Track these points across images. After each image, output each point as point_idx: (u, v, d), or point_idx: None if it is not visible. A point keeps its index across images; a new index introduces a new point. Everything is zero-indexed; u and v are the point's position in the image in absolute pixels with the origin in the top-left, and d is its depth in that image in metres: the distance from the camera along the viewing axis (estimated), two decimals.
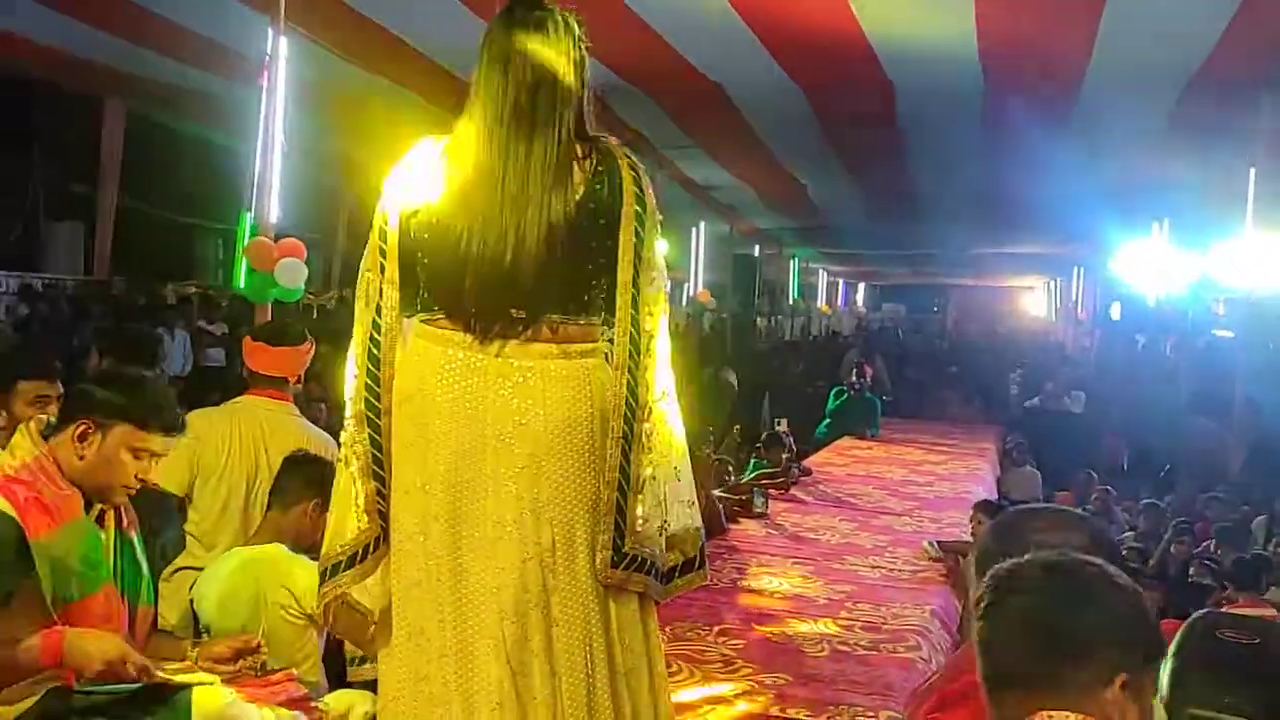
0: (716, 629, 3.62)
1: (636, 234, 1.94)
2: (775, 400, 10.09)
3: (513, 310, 1.92)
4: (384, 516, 1.98)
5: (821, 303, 24.58)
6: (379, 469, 1.97)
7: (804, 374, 12.20)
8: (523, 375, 1.92)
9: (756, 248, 18.61)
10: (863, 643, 3.61)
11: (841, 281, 28.09)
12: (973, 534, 5.00)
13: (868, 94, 8.27)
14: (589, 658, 1.90)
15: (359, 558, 1.98)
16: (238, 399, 3.45)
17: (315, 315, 12.73)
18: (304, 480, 2.92)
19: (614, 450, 1.93)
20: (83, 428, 2.17)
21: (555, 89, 1.93)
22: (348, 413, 2.00)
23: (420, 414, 1.94)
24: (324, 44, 6.42)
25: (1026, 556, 1.43)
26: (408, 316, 2.00)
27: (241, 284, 5.92)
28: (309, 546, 2.92)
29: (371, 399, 1.97)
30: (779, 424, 7.14)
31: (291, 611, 2.70)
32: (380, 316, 1.98)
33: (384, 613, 2.00)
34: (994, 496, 6.59)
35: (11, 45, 8.31)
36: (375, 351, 1.97)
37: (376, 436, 1.97)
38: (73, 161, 12.07)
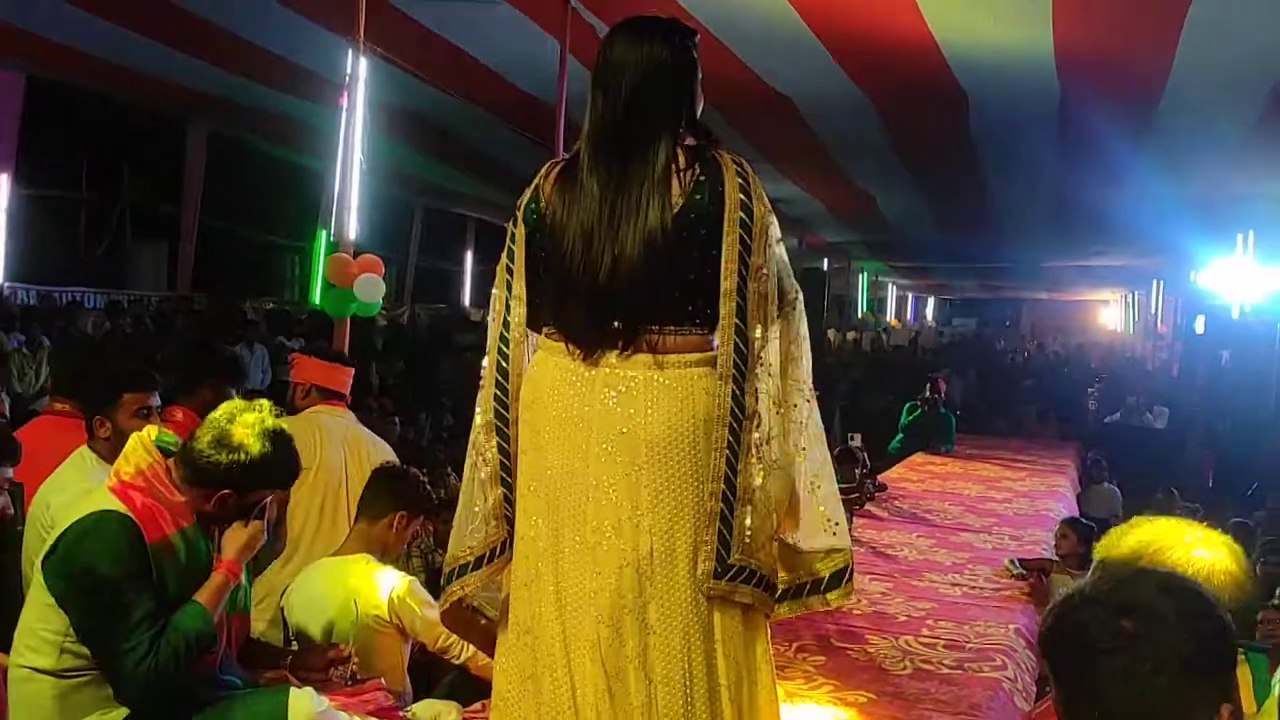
0: (795, 645, 3.59)
1: (742, 241, 1.94)
2: (846, 415, 10.01)
3: (614, 322, 1.95)
4: (510, 522, 2.03)
5: (891, 316, 24.33)
6: (507, 476, 2.03)
7: (875, 388, 12.08)
8: (626, 385, 1.95)
9: (825, 261, 18.48)
10: (947, 661, 3.55)
11: (911, 295, 27.78)
12: (1057, 549, 4.91)
13: (940, 105, 8.18)
14: (687, 668, 1.91)
15: (485, 559, 2.04)
16: (311, 410, 3.56)
17: (388, 328, 12.94)
18: (391, 493, 2.97)
19: (717, 460, 1.93)
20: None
21: (653, 105, 1.96)
22: (477, 421, 2.07)
23: (535, 421, 2.01)
24: (401, 64, 6.52)
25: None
26: (533, 330, 2.07)
27: (318, 299, 6.04)
28: (394, 557, 2.97)
29: (500, 409, 2.04)
30: (852, 439, 7.07)
31: (380, 620, 2.74)
32: (508, 330, 2.05)
33: (502, 607, 2.06)
34: (1075, 513, 6.45)
35: (100, 69, 8.59)
36: (504, 364, 2.05)
37: (505, 445, 2.04)
38: (158, 181, 12.42)
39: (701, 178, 1.95)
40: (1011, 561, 4.83)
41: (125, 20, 7.29)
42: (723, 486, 1.93)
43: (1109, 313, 26.83)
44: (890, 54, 6.93)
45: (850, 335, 20.12)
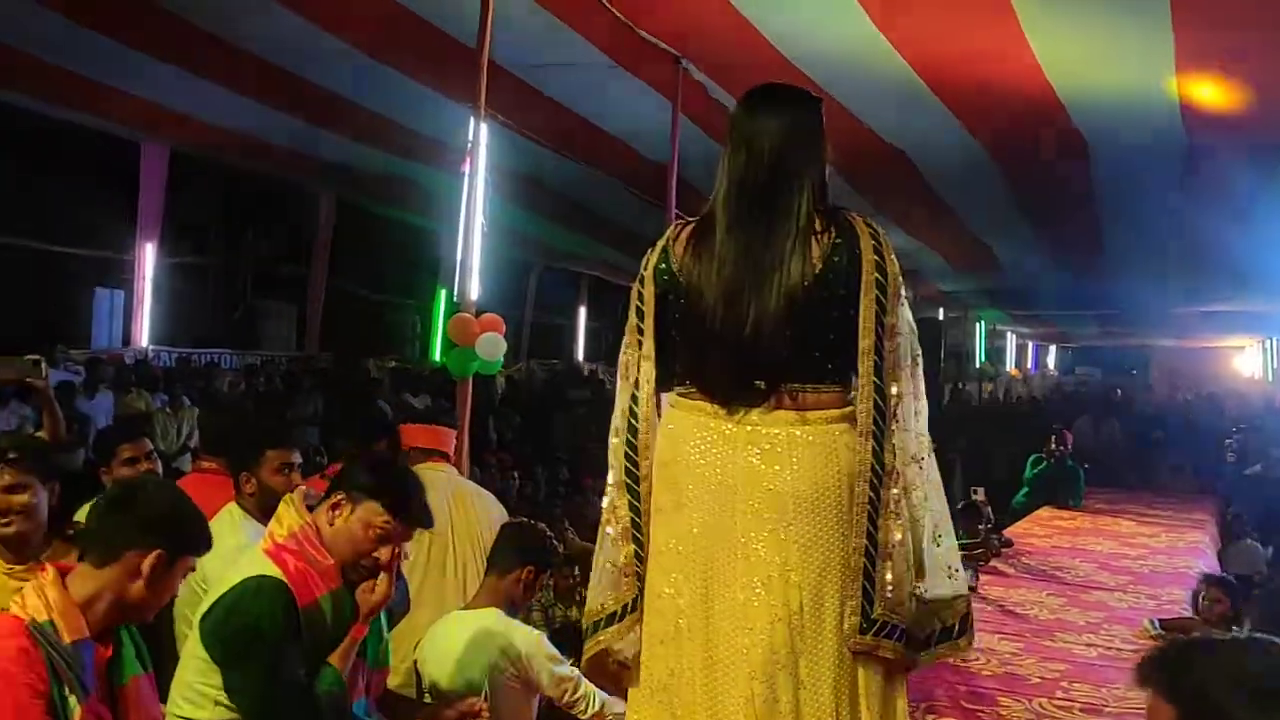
0: (924, 705, 3.50)
1: (878, 301, 1.98)
2: (967, 469, 9.76)
3: (757, 380, 1.98)
4: (640, 578, 2.07)
5: (1010, 366, 23.70)
6: (638, 533, 2.07)
7: (997, 440, 11.75)
8: (770, 442, 1.98)
9: (940, 311, 18.17)
10: None
11: (1031, 344, 27.03)
12: (1197, 612, 4.68)
13: (1058, 151, 8.04)
14: None
15: (618, 617, 2.08)
16: (418, 467, 3.64)
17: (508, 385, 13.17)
18: (520, 547, 3.03)
19: (860, 516, 1.96)
20: (337, 498, 2.33)
21: (794, 167, 2.01)
22: (609, 479, 2.12)
23: (675, 479, 2.03)
24: (519, 129, 6.74)
25: None
26: (664, 390, 2.11)
27: (439, 357, 6.21)
28: (522, 611, 3.02)
29: (631, 466, 2.08)
30: (975, 493, 6.88)
31: (510, 675, 2.79)
32: (639, 389, 2.10)
33: (633, 663, 2.09)
34: (1216, 571, 6.14)
35: (236, 141, 9.10)
36: (634, 422, 2.09)
37: (635, 502, 2.08)
38: (288, 247, 13.02)
39: (838, 240, 2.00)
40: (1151, 622, 4.61)
41: (261, 96, 7.72)
42: (865, 542, 1.96)
43: (1243, 360, 25.64)
44: (1008, 106, 6.88)
45: (968, 386, 19.66)
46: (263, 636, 2.17)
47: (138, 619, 2.01)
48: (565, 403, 13.89)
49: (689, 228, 2.10)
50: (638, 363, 2.11)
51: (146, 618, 2.01)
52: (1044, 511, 8.08)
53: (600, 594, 2.11)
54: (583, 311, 18.22)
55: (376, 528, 2.31)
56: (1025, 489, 8.66)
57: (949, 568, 2.05)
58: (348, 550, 2.32)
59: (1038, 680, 3.87)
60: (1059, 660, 4.13)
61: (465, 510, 3.58)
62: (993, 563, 5.92)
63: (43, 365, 3.71)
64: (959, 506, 6.96)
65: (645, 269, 2.13)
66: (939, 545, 2.04)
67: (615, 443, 2.12)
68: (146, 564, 1.93)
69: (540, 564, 3.04)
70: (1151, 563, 6.32)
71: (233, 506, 2.99)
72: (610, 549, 2.09)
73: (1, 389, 6.50)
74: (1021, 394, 21.15)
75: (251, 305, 13.70)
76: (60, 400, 4.15)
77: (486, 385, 11.05)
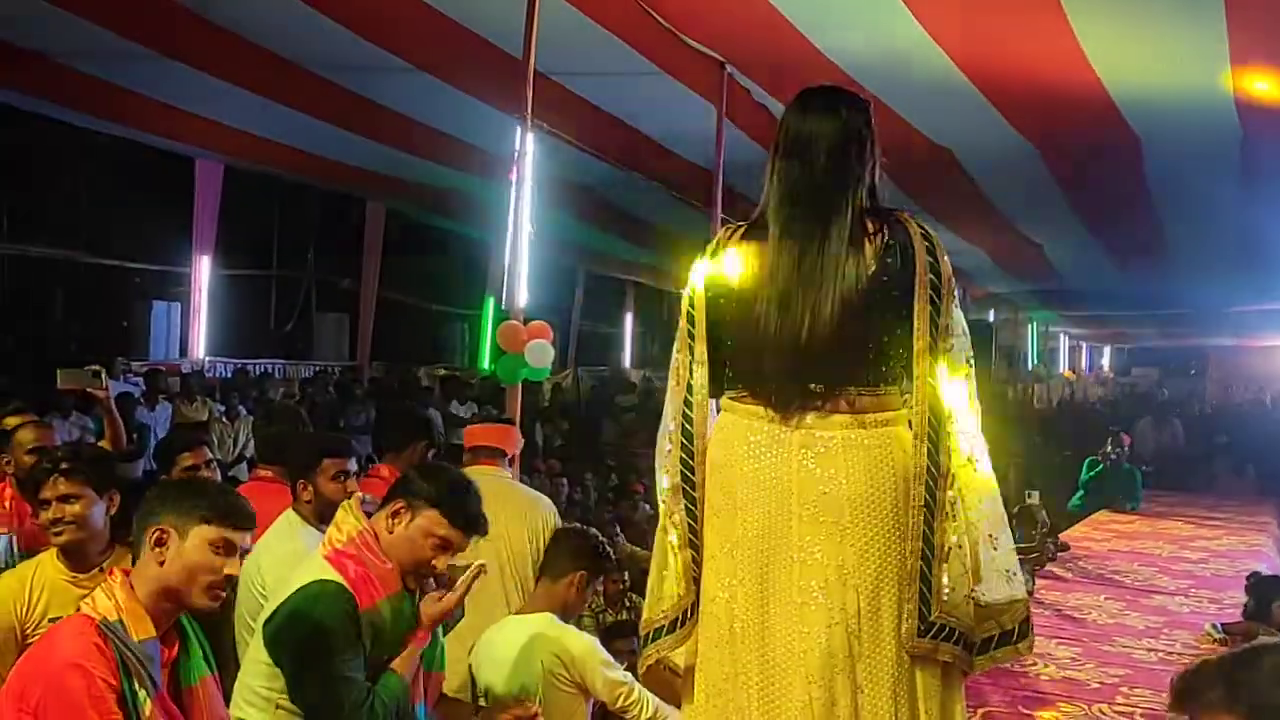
0: (982, 710, 3.47)
1: (932, 302, 1.98)
2: (1022, 472, 9.64)
3: (811, 384, 1.98)
4: (697, 584, 2.07)
5: (1064, 368, 23.34)
6: (695, 538, 2.07)
7: (1053, 444, 11.60)
8: (824, 446, 1.98)
9: (991, 313, 17.95)
10: None
11: (1085, 345, 26.60)
12: (1244, 611, 4.58)
13: (1110, 148, 7.91)
14: None
15: (679, 622, 2.07)
16: (470, 469, 3.65)
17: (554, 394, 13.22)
18: (571, 553, 3.05)
19: (916, 518, 1.95)
20: (397, 506, 2.35)
21: (846, 169, 2.01)
22: (664, 485, 2.12)
23: (729, 484, 2.03)
24: (565, 137, 6.77)
25: None
26: (715, 395, 2.11)
27: (487, 364, 6.24)
28: (576, 616, 3.04)
29: (687, 472, 2.08)
30: (1029, 497, 6.79)
31: (563, 679, 2.80)
32: (691, 394, 2.10)
33: (688, 670, 2.09)
34: None
35: (287, 155, 9.23)
36: (688, 427, 2.09)
37: (693, 507, 2.07)
38: (339, 258, 13.20)
39: (891, 242, 2.00)
40: (1214, 626, 4.53)
41: (310, 109, 7.84)
42: (921, 545, 1.95)
43: None
44: (1056, 102, 6.77)
45: (1023, 388, 19.37)
46: (325, 640, 2.20)
47: (189, 606, 2.01)
48: (613, 409, 13.92)
49: (739, 232, 2.11)
50: (689, 368, 2.11)
51: (193, 603, 2.00)
52: (1101, 515, 7.96)
53: (659, 602, 2.10)
54: (629, 318, 18.24)
55: (436, 537, 2.33)
56: (1081, 492, 8.54)
57: (1006, 571, 2.04)
58: (407, 557, 2.34)
59: (1097, 685, 3.82)
60: (1119, 665, 4.07)
61: (511, 512, 3.56)
62: (1049, 567, 5.85)
63: (103, 376, 3.80)
64: (1014, 511, 6.89)
65: (695, 275, 2.13)
66: (995, 549, 2.02)
67: (670, 449, 2.11)
68: (158, 536, 1.98)
69: (593, 569, 3.06)
70: (1213, 566, 6.21)
71: (290, 513, 3.04)
72: (669, 555, 2.09)
73: (64, 400, 6.65)
74: (1077, 395, 20.79)
75: (305, 316, 13.90)
76: (120, 411, 4.26)
77: (533, 392, 11.12)
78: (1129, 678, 3.91)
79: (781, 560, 1.97)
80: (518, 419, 5.67)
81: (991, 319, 17.97)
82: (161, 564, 1.97)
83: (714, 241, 2.15)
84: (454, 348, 16.44)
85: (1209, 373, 26.36)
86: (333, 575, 2.26)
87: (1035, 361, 20.50)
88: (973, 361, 2.08)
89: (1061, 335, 23.61)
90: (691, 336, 2.11)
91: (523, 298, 6.05)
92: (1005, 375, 19.75)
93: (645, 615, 2.14)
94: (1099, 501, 8.27)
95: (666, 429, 2.14)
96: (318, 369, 12.16)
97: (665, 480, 2.12)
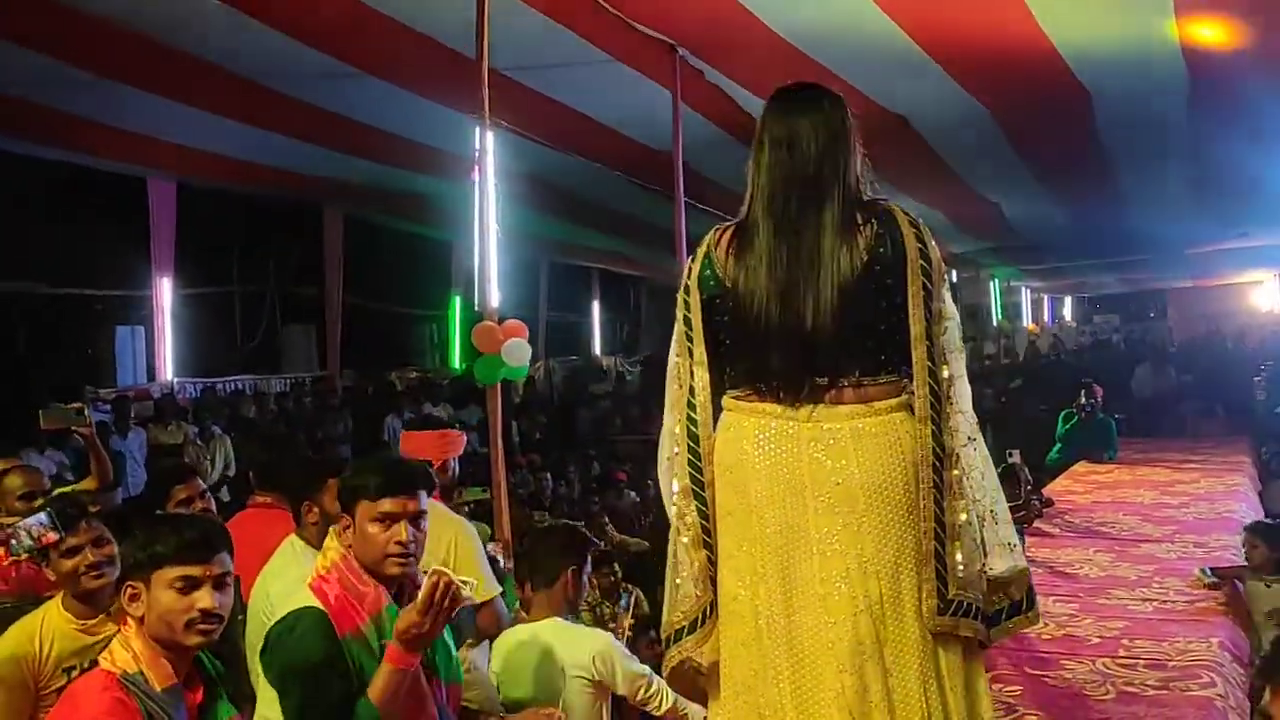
0: (990, 675, 3.51)
1: (924, 287, 2.01)
2: (997, 430, 9.74)
3: (815, 377, 2.01)
4: (714, 583, 2.09)
5: (1028, 321, 23.60)
6: (708, 538, 2.09)
7: (1023, 398, 11.73)
8: (833, 437, 2.01)
9: (953, 273, 18.11)
10: (1151, 682, 3.41)
11: (1047, 297, 26.90)
12: (1248, 559, 4.66)
13: (1061, 103, 7.99)
14: (925, 707, 1.96)
15: (700, 622, 2.10)
16: None
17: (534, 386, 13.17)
18: (555, 551, 3.06)
19: (927, 500, 2.00)
20: (345, 521, 2.35)
21: (833, 163, 2.04)
22: (674, 488, 2.13)
23: (741, 482, 2.05)
24: (524, 133, 6.74)
25: None
26: (718, 394, 2.13)
27: (458, 364, 6.19)
28: (579, 611, 3.05)
29: (695, 473, 2.10)
30: (1010, 456, 6.85)
31: (583, 679, 2.82)
32: (694, 396, 2.12)
33: (712, 668, 2.10)
34: (1260, 513, 6.12)
35: (240, 169, 9.11)
36: (693, 429, 2.11)
37: (704, 508, 2.10)
38: (301, 268, 13.07)
39: (880, 231, 2.03)
40: (1203, 570, 4.61)
41: (262, 121, 7.74)
42: (934, 525, 2.00)
43: (1262, 294, 25.43)
44: (1003, 60, 6.83)
45: (988, 345, 19.57)
46: (298, 669, 2.20)
47: (185, 648, 1.99)
48: (588, 398, 13.92)
49: (729, 231, 2.12)
50: (690, 370, 2.13)
51: (185, 644, 1.98)
52: (1080, 467, 8.07)
53: (678, 603, 2.12)
54: (596, 306, 18.21)
55: (376, 519, 2.30)
56: (1058, 446, 8.64)
57: (1008, 544, 2.10)
58: (376, 554, 2.30)
59: (1098, 640, 3.88)
60: (1116, 618, 4.13)
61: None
62: (1036, 524, 5.92)
63: (87, 412, 3.76)
64: (999, 471, 6.96)
65: (689, 277, 2.15)
66: (995, 521, 2.08)
67: (676, 452, 2.13)
68: (130, 594, 1.99)
69: (580, 559, 3.07)
70: (1195, 509, 6.31)
71: (293, 539, 3.02)
72: (684, 557, 2.11)
73: (39, 435, 6.56)
74: (1043, 348, 21.00)
75: (272, 329, 13.77)
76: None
77: (506, 389, 11.09)
78: (1128, 629, 3.97)
79: (802, 554, 2.00)
80: (499, 417, 5.66)
81: (954, 279, 18.15)
82: (142, 619, 1.97)
83: (705, 243, 2.16)
84: (424, 349, 16.35)
85: (1169, 315, 26.75)
86: (312, 602, 2.26)
87: (1000, 317, 20.72)
88: (961, 341, 2.12)
89: (1023, 289, 23.86)
90: (690, 339, 2.13)
91: (495, 298, 6.03)
92: (971, 333, 19.97)
93: (665, 618, 2.16)
94: (1076, 454, 8.37)
95: (671, 433, 2.15)
96: (290, 382, 12.06)
97: (674, 484, 2.14)
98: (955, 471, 2.02)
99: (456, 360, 13.11)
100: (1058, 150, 9.69)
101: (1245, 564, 4.58)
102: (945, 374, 2.03)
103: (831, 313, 1.98)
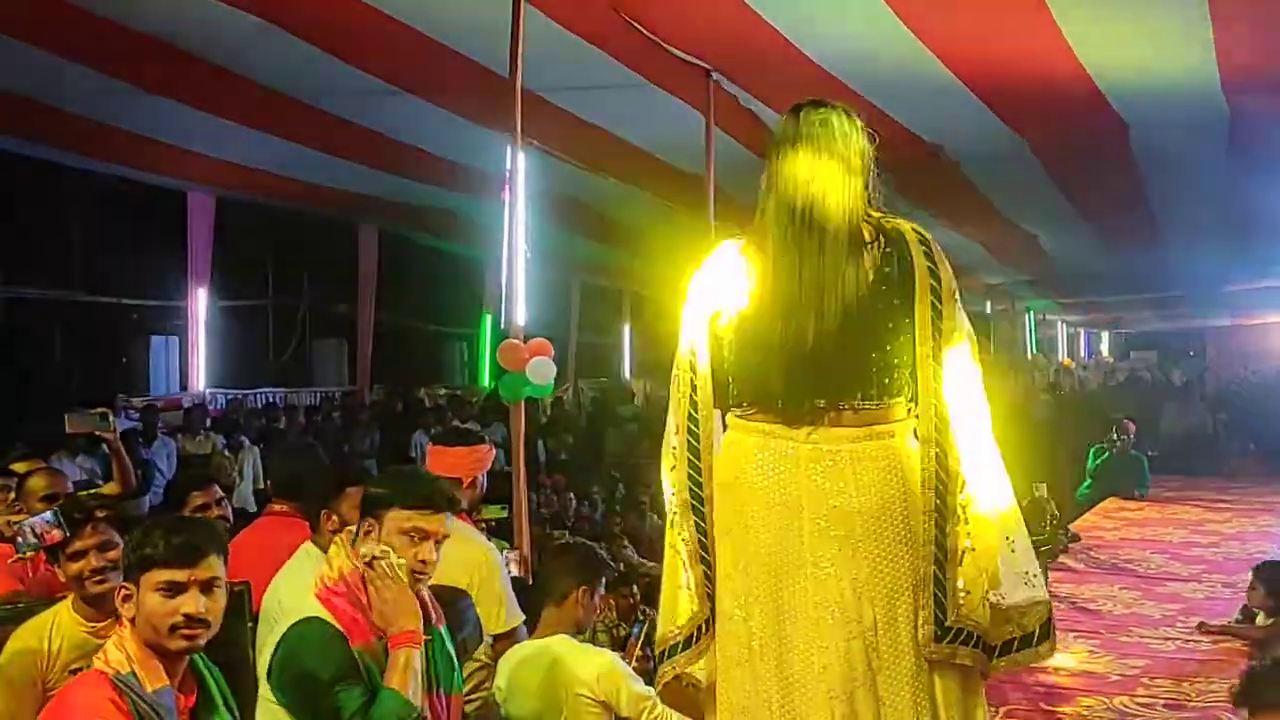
0: (1003, 710, 3.46)
1: (933, 306, 1.98)
2: (1028, 464, 9.63)
3: (817, 398, 1.98)
4: (711, 599, 2.07)
5: (1063, 355, 23.35)
6: (705, 553, 2.07)
7: (1056, 433, 11.58)
8: (832, 459, 1.97)
9: (987, 304, 17.98)
10: None
11: (1083, 332, 26.63)
12: (1248, 599, 4.56)
13: (1098, 137, 7.94)
14: None
15: (694, 639, 2.07)
16: None
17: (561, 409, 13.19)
18: (568, 570, 3.04)
19: (927, 524, 1.95)
20: (366, 527, 2.35)
21: (844, 180, 2.01)
22: (673, 503, 2.11)
23: (738, 501, 2.03)
24: (557, 154, 6.79)
25: None
26: (721, 411, 2.11)
27: (488, 382, 6.21)
28: (589, 632, 3.03)
29: (695, 488, 2.08)
30: (1037, 490, 6.78)
31: (587, 699, 2.80)
32: (696, 410, 2.09)
33: (709, 688, 2.08)
34: None
35: (278, 184, 9.24)
36: (694, 443, 2.09)
37: (701, 523, 2.08)
38: (334, 283, 13.19)
39: (888, 249, 2.01)
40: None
41: (299, 137, 7.85)
42: (934, 550, 1.95)
43: None
44: (1043, 94, 6.80)
45: (1023, 379, 19.35)
46: (317, 680, 2.18)
47: (169, 651, 1.99)
48: (615, 420, 13.90)
49: (738, 246, 2.11)
50: (691, 384, 2.10)
51: (169, 648, 1.98)
52: (1110, 503, 7.96)
53: (672, 618, 2.10)
54: (627, 329, 18.22)
55: (408, 531, 2.31)
56: (1088, 481, 8.53)
57: (1026, 573, 2.03)
58: (401, 562, 2.30)
59: (1117, 677, 3.82)
60: (1137, 656, 4.07)
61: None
62: (1061, 559, 5.84)
63: (110, 418, 3.81)
64: (1023, 504, 6.88)
65: (693, 289, 2.13)
66: (1013, 550, 2.02)
67: (676, 465, 2.11)
68: (124, 594, 2.01)
69: (593, 579, 3.04)
70: (1225, 549, 6.21)
71: (309, 545, 3.02)
72: (680, 572, 2.09)
73: (72, 441, 6.65)
74: (1073, 384, 20.75)
75: (304, 343, 13.89)
76: (126, 448, 4.26)
77: (535, 407, 11.11)
78: (1148, 668, 3.91)
79: (795, 576, 1.96)
80: (522, 436, 5.67)
81: (988, 310, 18.01)
82: (133, 619, 1.98)
83: (712, 256, 2.14)
84: (454, 367, 16.42)
85: (1207, 353, 26.37)
86: (321, 613, 2.25)
87: (1034, 350, 20.52)
88: (978, 364, 2.08)
89: (1059, 323, 23.63)
90: (694, 354, 2.11)
91: (521, 316, 6.06)
92: (1005, 367, 19.77)
93: (660, 632, 2.14)
94: (1106, 489, 8.26)
95: (670, 444, 2.13)
96: (325, 395, 12.14)
97: (674, 496, 2.12)
98: (961, 496, 1.97)
99: (486, 379, 13.16)
100: (1095, 183, 9.61)
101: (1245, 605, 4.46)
102: (954, 395, 1.99)
103: (835, 331, 1.95)
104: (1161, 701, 3.55)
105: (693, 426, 2.09)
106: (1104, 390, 18.30)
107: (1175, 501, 8.01)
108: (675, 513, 2.11)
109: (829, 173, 2.01)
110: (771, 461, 2.00)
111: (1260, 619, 4.32)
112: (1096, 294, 19.07)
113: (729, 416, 2.11)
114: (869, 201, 2.06)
